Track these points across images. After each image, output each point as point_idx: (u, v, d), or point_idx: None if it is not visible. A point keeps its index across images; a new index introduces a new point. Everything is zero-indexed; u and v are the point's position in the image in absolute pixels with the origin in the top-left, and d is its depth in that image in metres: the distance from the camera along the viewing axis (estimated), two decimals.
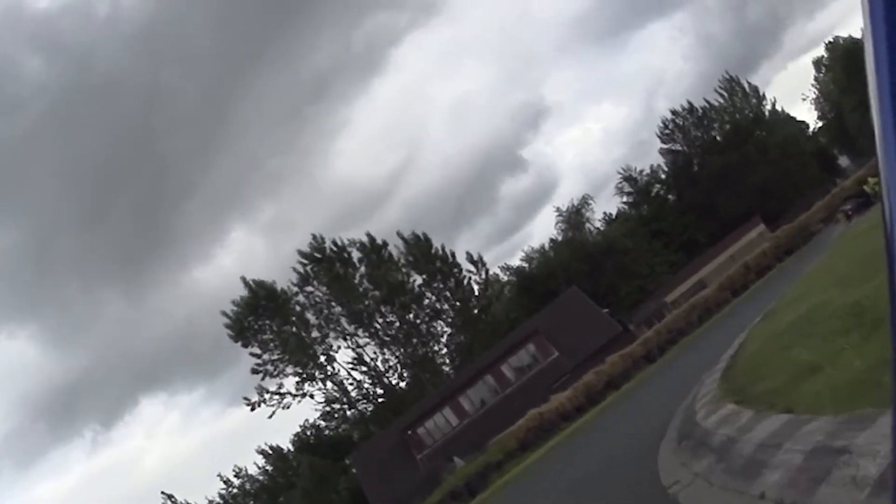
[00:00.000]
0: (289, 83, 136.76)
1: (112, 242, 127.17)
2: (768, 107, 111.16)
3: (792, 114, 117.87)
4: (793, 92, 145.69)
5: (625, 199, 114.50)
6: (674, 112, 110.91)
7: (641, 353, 55.54)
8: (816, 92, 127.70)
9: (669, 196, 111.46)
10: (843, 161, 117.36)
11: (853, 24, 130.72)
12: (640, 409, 32.67)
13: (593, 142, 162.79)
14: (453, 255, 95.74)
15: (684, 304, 61.86)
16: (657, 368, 50.24)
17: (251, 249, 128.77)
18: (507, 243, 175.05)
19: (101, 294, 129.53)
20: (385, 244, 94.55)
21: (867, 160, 75.37)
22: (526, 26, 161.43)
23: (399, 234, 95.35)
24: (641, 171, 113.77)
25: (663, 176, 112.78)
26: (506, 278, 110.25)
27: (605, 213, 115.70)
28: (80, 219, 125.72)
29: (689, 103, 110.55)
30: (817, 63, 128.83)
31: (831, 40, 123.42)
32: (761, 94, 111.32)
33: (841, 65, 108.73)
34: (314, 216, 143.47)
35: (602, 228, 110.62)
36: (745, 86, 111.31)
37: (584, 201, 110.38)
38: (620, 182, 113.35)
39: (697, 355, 35.91)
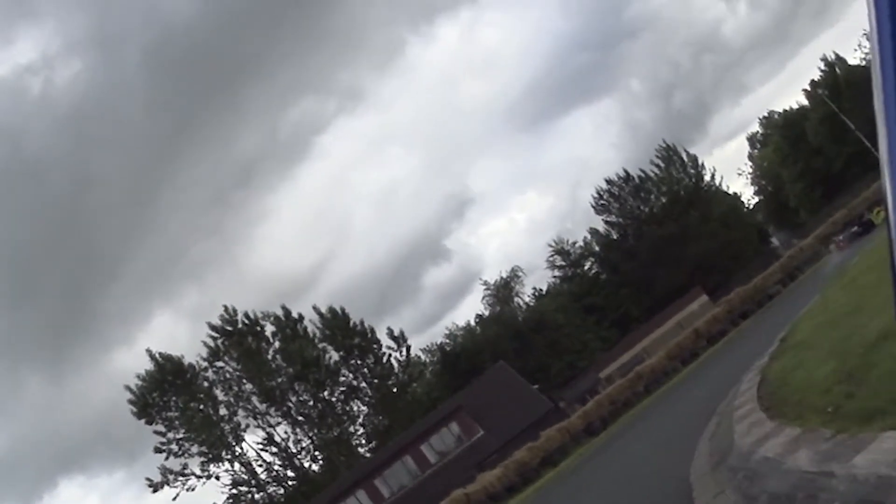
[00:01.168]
0: (215, 169, 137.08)
1: (36, 324, 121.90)
2: (707, 177, 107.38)
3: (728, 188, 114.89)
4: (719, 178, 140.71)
5: (556, 273, 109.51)
6: (609, 181, 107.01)
7: (581, 427, 50.54)
8: (752, 167, 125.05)
9: (603, 270, 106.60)
10: (777, 239, 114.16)
11: (787, 101, 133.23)
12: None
13: (518, 231, 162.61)
14: (372, 330, 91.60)
15: (629, 373, 55.98)
16: (600, 444, 44.44)
17: (174, 334, 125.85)
18: (428, 333, 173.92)
19: (22, 375, 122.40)
20: (301, 318, 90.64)
21: (806, 232, 73.69)
22: (452, 115, 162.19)
23: (315, 309, 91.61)
24: (574, 244, 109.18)
25: (597, 248, 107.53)
26: (428, 360, 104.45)
27: (534, 288, 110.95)
28: (3, 299, 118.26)
29: (626, 172, 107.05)
30: (752, 139, 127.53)
31: (766, 115, 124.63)
32: (700, 163, 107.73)
33: (781, 134, 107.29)
34: (238, 302, 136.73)
35: (532, 304, 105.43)
36: (683, 155, 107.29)
37: (514, 273, 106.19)
38: (552, 255, 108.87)
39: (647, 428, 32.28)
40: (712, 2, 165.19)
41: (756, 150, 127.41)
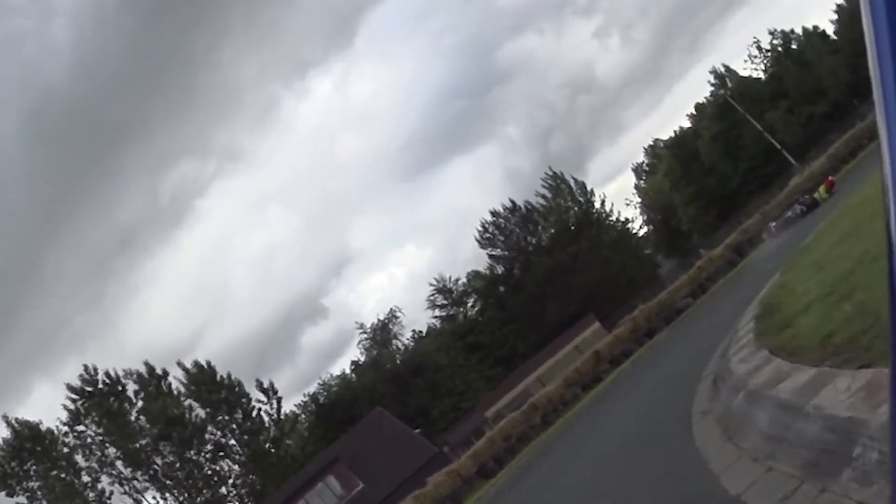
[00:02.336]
0: (96, 236, 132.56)
1: None
2: (597, 204, 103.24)
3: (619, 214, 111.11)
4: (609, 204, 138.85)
5: (438, 312, 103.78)
6: (494, 213, 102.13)
7: (473, 468, 45.30)
8: (640, 198, 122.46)
9: (487, 307, 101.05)
10: (665, 267, 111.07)
11: (665, 135, 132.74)
12: None
13: (397, 287, 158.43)
14: (240, 384, 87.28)
15: (523, 405, 50.20)
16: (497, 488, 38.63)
17: (53, 406, 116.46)
18: (307, 393, 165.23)
19: None
20: (165, 374, 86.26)
21: (694, 260, 70.01)
22: (329, 170, 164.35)
23: (179, 364, 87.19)
24: (457, 280, 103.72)
25: (481, 285, 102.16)
26: (303, 415, 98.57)
27: (414, 330, 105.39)
28: None
29: (512, 202, 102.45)
30: (638, 169, 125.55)
31: (652, 143, 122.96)
32: (589, 190, 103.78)
33: (672, 154, 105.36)
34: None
35: (412, 346, 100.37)
36: (571, 183, 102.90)
37: (392, 315, 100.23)
38: (433, 294, 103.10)
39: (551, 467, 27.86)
40: (585, 41, 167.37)
41: (642, 181, 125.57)
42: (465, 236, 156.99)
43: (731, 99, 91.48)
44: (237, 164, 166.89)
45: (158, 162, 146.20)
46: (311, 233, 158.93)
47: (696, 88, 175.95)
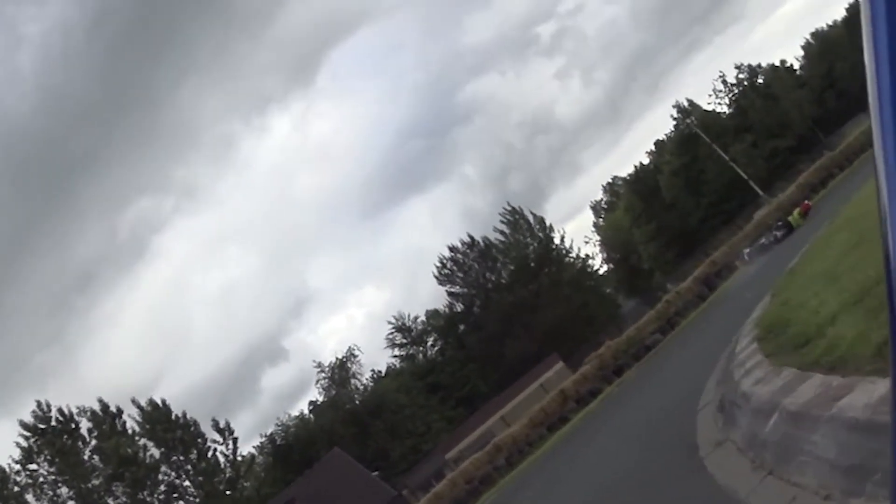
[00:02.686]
0: (55, 274, 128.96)
1: None
2: (557, 240, 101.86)
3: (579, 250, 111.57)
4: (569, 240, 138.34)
5: (397, 352, 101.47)
6: (452, 249, 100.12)
7: None
8: (599, 237, 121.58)
9: (447, 346, 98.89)
10: (626, 306, 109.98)
11: (629, 167, 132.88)
12: None
13: (357, 327, 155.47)
14: (196, 423, 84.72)
15: (486, 446, 48.26)
16: None
17: (6, 444, 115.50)
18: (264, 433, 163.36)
19: None
20: (119, 412, 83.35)
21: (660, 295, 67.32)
22: (288, 208, 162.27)
23: (134, 402, 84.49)
24: (416, 318, 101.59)
25: (441, 323, 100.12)
26: (260, 456, 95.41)
27: (373, 370, 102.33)
28: None
29: (471, 237, 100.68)
30: (596, 207, 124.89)
31: (611, 181, 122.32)
32: (548, 225, 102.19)
33: (633, 189, 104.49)
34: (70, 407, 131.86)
35: (371, 386, 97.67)
36: (530, 218, 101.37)
37: (350, 353, 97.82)
38: (392, 333, 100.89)
39: None
40: (545, 81, 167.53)
41: (601, 219, 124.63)
42: (424, 277, 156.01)
43: (695, 129, 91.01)
44: (196, 202, 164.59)
45: (117, 198, 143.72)
46: (270, 272, 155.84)
47: (655, 129, 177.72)
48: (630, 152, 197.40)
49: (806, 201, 52.91)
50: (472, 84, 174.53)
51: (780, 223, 53.84)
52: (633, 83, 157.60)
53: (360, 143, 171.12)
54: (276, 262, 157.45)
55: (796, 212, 51.63)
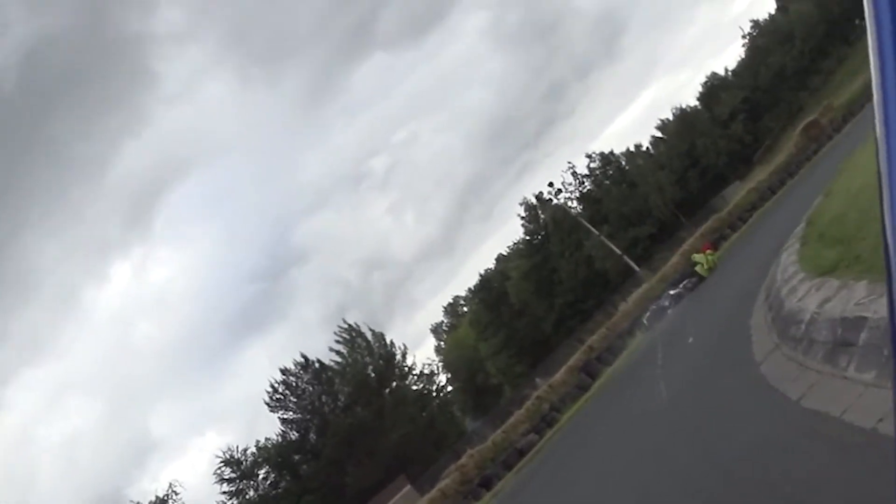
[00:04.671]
0: None
1: None
2: (398, 356, 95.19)
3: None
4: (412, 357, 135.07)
5: (226, 487, 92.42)
6: (284, 371, 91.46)
7: None
8: (441, 360, 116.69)
9: (280, 477, 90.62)
10: (472, 426, 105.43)
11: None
12: None
13: (199, 475, 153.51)
14: None
15: None
16: None
17: None
18: None
19: None
20: None
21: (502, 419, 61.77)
22: (130, 357, 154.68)
23: None
24: (246, 450, 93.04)
25: (273, 452, 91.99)
26: None
27: None
28: None
29: (304, 357, 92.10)
30: (437, 329, 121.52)
31: (451, 301, 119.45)
32: (389, 341, 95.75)
33: (478, 299, 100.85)
34: None
35: None
36: (368, 335, 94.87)
37: (171, 490, 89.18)
38: (220, 467, 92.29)
39: None
40: (380, 216, 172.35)
41: (442, 343, 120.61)
42: (265, 417, 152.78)
43: (552, 222, 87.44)
44: (37, 353, 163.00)
45: None
46: (112, 422, 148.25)
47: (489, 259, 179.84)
48: (466, 282, 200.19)
49: (706, 243, 47.60)
50: (308, 222, 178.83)
51: (677, 276, 48.13)
52: (466, 213, 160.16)
53: (199, 288, 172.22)
54: (119, 412, 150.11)
55: (703, 255, 44.62)
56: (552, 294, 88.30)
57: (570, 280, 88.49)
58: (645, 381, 23.56)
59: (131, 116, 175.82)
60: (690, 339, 23.11)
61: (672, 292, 44.88)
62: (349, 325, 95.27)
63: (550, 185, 69.93)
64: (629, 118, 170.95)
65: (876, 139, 1.04)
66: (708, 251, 44.87)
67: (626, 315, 51.98)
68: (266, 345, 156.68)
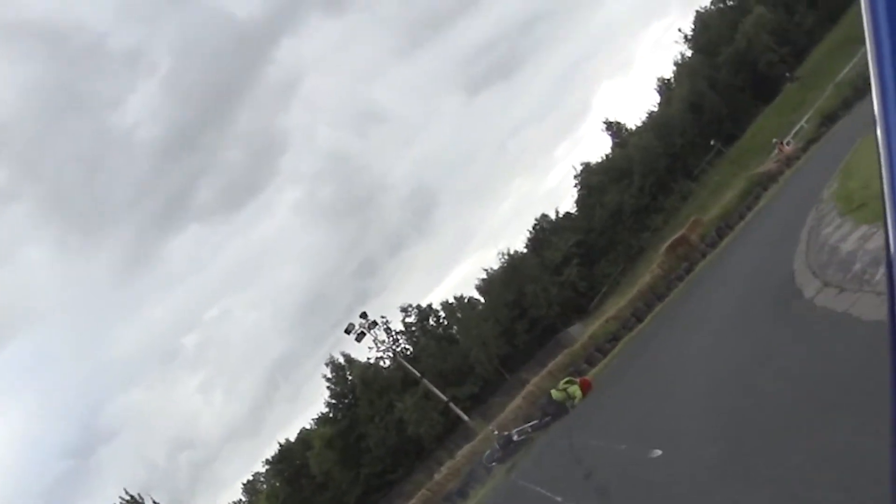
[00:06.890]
0: None
1: None
2: None
3: None
4: None
5: None
6: None
7: None
8: None
9: None
10: None
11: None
12: None
13: None
14: None
15: None
16: None
17: None
18: None
19: None
20: None
21: None
22: None
23: None
24: None
25: None
26: None
27: None
28: None
29: None
30: (250, 485, 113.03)
31: (251, 477, 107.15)
32: None
33: (275, 472, 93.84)
34: None
35: None
36: None
37: None
38: None
39: None
40: (190, 394, 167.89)
41: None
42: None
43: (361, 383, 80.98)
44: None
45: None
46: None
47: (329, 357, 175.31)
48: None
49: (584, 377, 40.30)
50: (120, 398, 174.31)
51: (540, 416, 39.86)
52: (275, 392, 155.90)
53: (6, 463, 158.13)
54: None
55: (575, 388, 36.12)
56: (359, 463, 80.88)
57: (378, 448, 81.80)
58: None
59: None
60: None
61: (514, 439, 37.63)
62: (131, 497, 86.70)
63: (358, 338, 62.21)
64: (442, 293, 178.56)
65: (876, 139, 1.04)
66: (576, 387, 37.77)
67: (455, 473, 43.93)
68: None
